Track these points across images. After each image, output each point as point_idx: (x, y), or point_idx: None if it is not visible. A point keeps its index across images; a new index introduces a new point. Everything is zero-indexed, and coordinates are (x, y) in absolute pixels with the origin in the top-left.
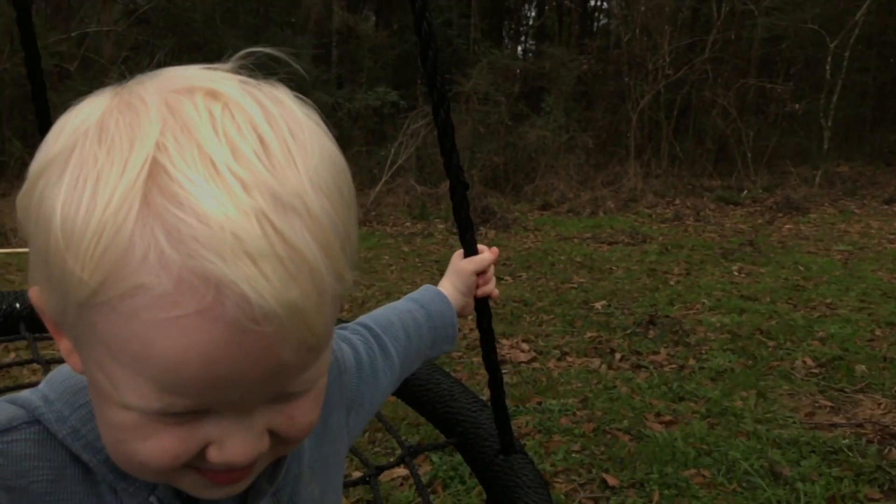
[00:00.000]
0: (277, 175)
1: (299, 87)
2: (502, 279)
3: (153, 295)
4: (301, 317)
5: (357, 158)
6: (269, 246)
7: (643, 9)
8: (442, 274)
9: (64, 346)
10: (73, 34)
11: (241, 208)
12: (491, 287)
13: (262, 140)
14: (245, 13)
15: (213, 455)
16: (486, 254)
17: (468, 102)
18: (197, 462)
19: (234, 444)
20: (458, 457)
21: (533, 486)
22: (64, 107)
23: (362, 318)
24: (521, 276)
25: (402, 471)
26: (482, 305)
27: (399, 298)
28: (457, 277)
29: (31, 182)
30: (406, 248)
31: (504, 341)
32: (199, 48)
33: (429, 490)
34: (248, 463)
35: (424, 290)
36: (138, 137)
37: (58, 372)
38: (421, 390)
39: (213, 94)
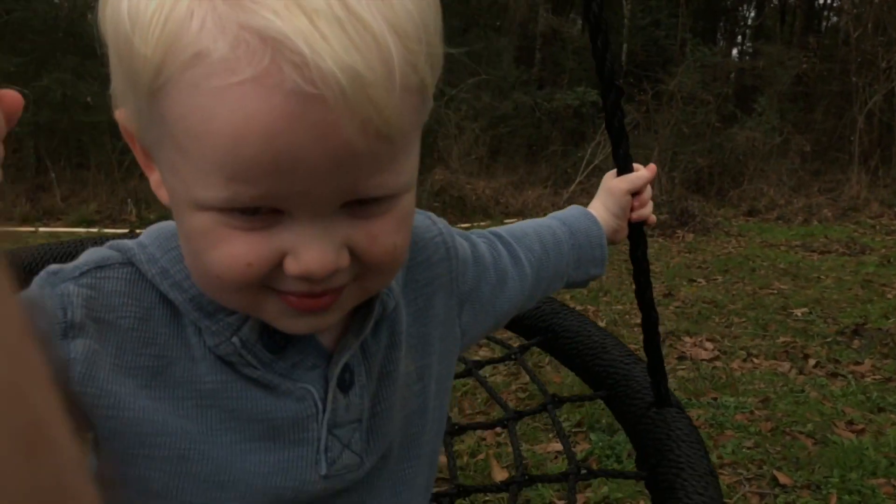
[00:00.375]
0: None
1: (499, 86)
2: (695, 281)
3: (211, 61)
4: (364, 89)
5: (552, 158)
6: (328, 6)
7: (876, 1)
8: (631, 277)
9: (154, 178)
10: None
11: None
12: (647, 211)
13: None
14: (451, 16)
15: (290, 265)
16: (643, 171)
17: (672, 102)
18: (276, 281)
19: (311, 252)
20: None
21: (688, 440)
22: None
23: (492, 228)
24: (716, 280)
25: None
26: (636, 232)
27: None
28: (608, 197)
29: None
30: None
31: (687, 339)
32: None
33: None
34: (326, 273)
35: (570, 209)
36: None
37: (155, 225)
38: (570, 342)
39: None
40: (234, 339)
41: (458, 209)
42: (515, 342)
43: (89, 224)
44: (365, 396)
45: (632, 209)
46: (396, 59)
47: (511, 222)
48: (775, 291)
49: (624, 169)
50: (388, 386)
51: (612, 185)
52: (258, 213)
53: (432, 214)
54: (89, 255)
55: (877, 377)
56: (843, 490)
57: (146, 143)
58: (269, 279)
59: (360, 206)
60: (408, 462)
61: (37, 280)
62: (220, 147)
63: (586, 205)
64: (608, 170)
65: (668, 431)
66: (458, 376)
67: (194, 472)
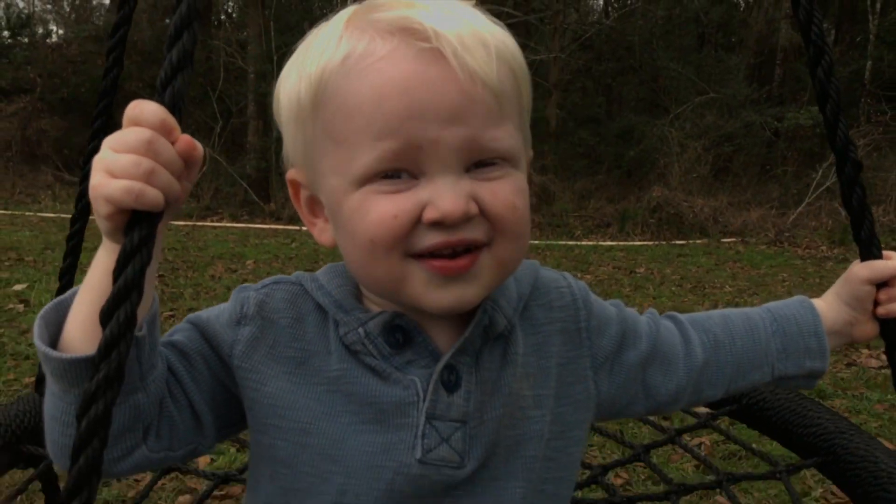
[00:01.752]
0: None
1: (728, 104)
2: None
3: (356, 56)
4: (468, 49)
5: (782, 178)
6: (440, 8)
7: None
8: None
9: (317, 227)
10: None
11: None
12: None
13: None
14: (682, 35)
15: (429, 212)
16: (892, 260)
17: None
18: (418, 239)
19: (444, 199)
20: None
21: None
22: None
23: (671, 312)
24: None
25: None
26: (889, 330)
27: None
28: (844, 284)
29: (277, 84)
30: (811, 270)
31: None
32: (635, 70)
33: None
34: (459, 215)
35: (789, 299)
36: (337, 14)
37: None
38: (769, 411)
39: None
40: (360, 330)
41: (675, 226)
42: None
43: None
44: (471, 401)
45: (877, 302)
46: (493, 43)
47: (729, 241)
48: None
49: (867, 253)
50: (497, 399)
51: (852, 271)
52: (400, 177)
53: (569, 275)
54: (274, 277)
55: None
56: None
57: (310, 178)
58: (411, 239)
59: (480, 169)
60: (516, 482)
61: (233, 291)
62: (368, 110)
63: (815, 228)
64: (839, 192)
65: None
66: (659, 444)
67: (312, 445)
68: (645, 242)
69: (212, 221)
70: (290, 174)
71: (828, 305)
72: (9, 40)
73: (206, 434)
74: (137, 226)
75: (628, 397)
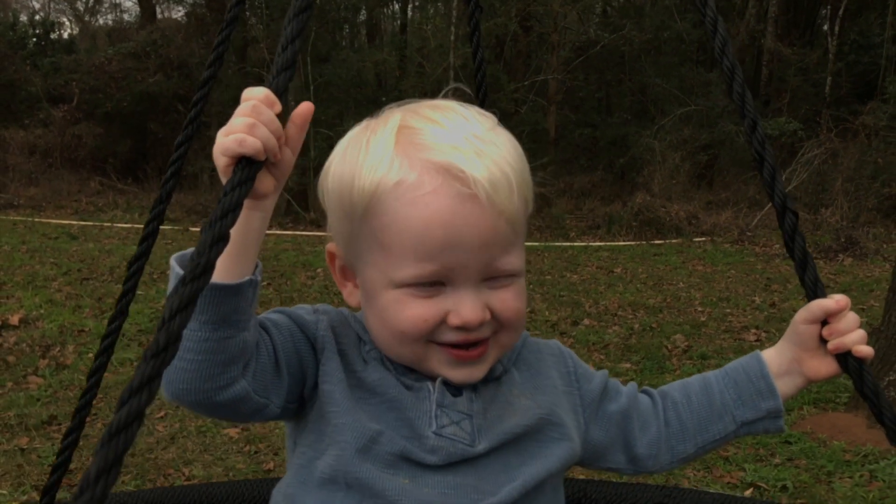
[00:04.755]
0: (483, 126)
1: (707, 116)
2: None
3: (407, 185)
4: (498, 192)
5: (752, 183)
6: (472, 149)
7: None
8: (767, 290)
9: (346, 290)
10: (525, 82)
11: (457, 136)
12: (847, 341)
13: (478, 121)
14: (668, 52)
15: (453, 318)
16: (827, 300)
17: (868, 136)
18: (441, 334)
19: (465, 308)
20: None
21: None
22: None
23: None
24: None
25: None
26: (849, 365)
27: (720, 306)
28: (789, 326)
29: (323, 170)
30: (759, 266)
31: None
32: (621, 83)
33: None
34: (477, 322)
35: (739, 357)
36: (389, 120)
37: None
38: None
39: (436, 105)
40: (388, 364)
41: (654, 227)
42: None
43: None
44: (473, 404)
45: (827, 340)
46: (514, 178)
47: (700, 241)
48: (864, 308)
49: (812, 295)
50: (496, 400)
51: (796, 314)
52: (433, 285)
53: (560, 344)
54: (321, 305)
55: None
56: None
57: (349, 258)
58: (435, 333)
59: (493, 280)
60: (524, 468)
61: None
62: (414, 234)
63: (775, 228)
64: (800, 197)
65: None
66: None
67: (346, 423)
68: (628, 243)
69: None
70: (330, 247)
71: (775, 350)
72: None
73: (279, 394)
74: (241, 167)
75: (609, 443)
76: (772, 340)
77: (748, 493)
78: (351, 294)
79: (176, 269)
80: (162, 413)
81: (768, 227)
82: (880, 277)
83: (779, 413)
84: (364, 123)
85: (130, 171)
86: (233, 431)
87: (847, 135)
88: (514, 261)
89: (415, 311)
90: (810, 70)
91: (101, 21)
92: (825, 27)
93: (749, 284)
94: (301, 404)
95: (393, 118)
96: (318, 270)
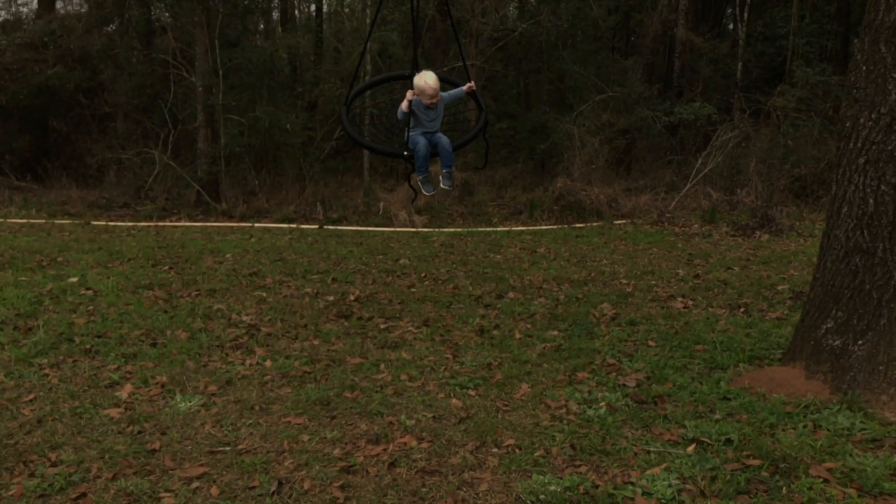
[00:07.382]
0: None
1: (625, 102)
2: (731, 269)
3: None
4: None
5: (670, 167)
6: None
7: None
8: (690, 264)
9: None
10: (444, 69)
11: None
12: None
13: None
14: (585, 40)
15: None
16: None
17: (773, 117)
18: None
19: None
20: None
21: None
22: None
23: None
24: (749, 269)
25: None
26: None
27: (644, 279)
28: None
29: None
30: (680, 245)
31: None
32: (539, 72)
33: None
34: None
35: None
36: None
37: None
38: None
39: None
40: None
41: (575, 211)
42: None
43: (290, 221)
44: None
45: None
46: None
47: (620, 223)
48: (784, 277)
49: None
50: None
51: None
52: None
53: None
54: None
55: None
56: None
57: None
58: None
59: None
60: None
61: None
62: None
63: (693, 209)
64: (716, 179)
65: None
66: None
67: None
68: (550, 227)
69: (171, 221)
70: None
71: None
72: None
73: None
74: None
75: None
76: (699, 307)
77: (691, 448)
78: None
79: None
80: (32, 395)
81: (686, 208)
82: (797, 251)
83: None
84: None
85: (30, 167)
86: (113, 411)
87: (760, 117)
88: None
89: None
90: (720, 60)
91: None
92: (731, 26)
93: (671, 260)
94: None
95: None
96: (227, 256)
